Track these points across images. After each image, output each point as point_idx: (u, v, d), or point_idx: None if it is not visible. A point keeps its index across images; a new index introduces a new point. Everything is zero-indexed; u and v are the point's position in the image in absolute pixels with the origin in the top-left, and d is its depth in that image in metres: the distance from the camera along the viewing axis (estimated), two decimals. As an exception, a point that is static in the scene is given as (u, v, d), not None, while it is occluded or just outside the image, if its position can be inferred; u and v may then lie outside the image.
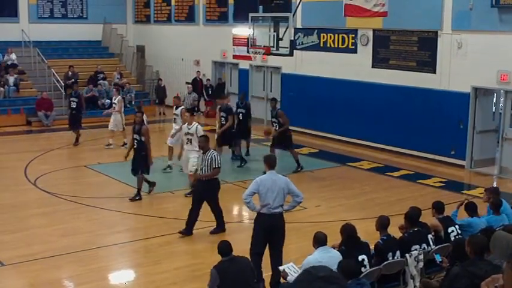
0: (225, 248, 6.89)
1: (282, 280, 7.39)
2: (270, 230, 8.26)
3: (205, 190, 10.34)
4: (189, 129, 12.75)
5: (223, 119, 15.43)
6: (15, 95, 21.91)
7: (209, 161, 10.18)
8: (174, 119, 14.86)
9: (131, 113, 22.46)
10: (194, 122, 13.03)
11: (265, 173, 8.65)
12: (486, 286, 2.81)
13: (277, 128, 15.00)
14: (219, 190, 10.53)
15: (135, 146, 12.53)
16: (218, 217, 10.56)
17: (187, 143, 12.82)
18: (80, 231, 10.71)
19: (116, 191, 13.24)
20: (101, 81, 23.40)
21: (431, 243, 7.77)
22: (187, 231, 10.40)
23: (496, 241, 2.77)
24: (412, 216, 7.91)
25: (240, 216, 12.03)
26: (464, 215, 8.79)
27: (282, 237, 8.40)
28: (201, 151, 10.64)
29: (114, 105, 18.20)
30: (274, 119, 15.15)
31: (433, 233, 8.03)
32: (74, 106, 18.20)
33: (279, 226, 8.31)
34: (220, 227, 10.57)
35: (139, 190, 12.50)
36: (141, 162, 12.38)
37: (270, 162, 8.51)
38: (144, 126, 12.47)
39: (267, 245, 8.35)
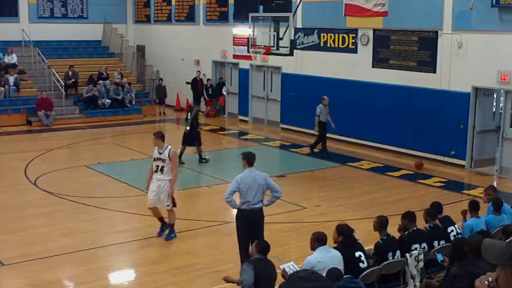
0: (266, 247, 6.85)
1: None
2: (251, 224, 8.39)
3: None
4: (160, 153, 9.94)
5: None
6: (15, 95, 21.90)
7: None
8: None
9: (132, 113, 22.72)
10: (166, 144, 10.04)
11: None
12: (479, 282, 2.82)
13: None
14: None
15: None
16: None
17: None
18: (80, 231, 10.70)
19: (116, 191, 13.24)
20: (101, 81, 23.38)
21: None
22: None
23: (488, 249, 2.76)
24: (410, 214, 7.94)
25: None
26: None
27: (261, 229, 8.52)
28: None
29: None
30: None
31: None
32: None
33: (258, 219, 8.46)
34: None
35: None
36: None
37: (249, 159, 8.52)
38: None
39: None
